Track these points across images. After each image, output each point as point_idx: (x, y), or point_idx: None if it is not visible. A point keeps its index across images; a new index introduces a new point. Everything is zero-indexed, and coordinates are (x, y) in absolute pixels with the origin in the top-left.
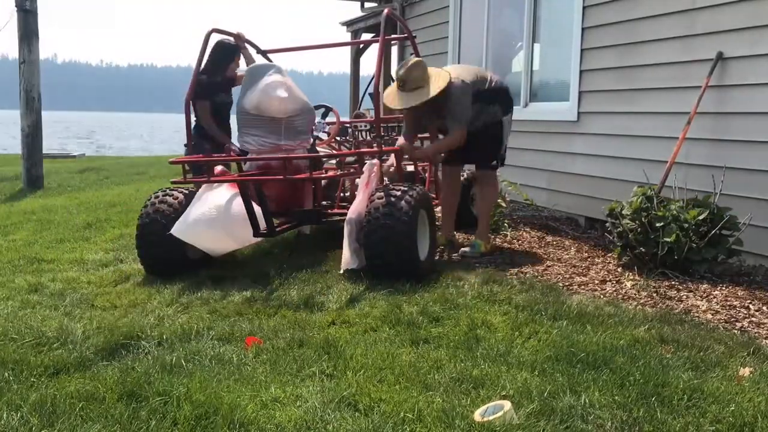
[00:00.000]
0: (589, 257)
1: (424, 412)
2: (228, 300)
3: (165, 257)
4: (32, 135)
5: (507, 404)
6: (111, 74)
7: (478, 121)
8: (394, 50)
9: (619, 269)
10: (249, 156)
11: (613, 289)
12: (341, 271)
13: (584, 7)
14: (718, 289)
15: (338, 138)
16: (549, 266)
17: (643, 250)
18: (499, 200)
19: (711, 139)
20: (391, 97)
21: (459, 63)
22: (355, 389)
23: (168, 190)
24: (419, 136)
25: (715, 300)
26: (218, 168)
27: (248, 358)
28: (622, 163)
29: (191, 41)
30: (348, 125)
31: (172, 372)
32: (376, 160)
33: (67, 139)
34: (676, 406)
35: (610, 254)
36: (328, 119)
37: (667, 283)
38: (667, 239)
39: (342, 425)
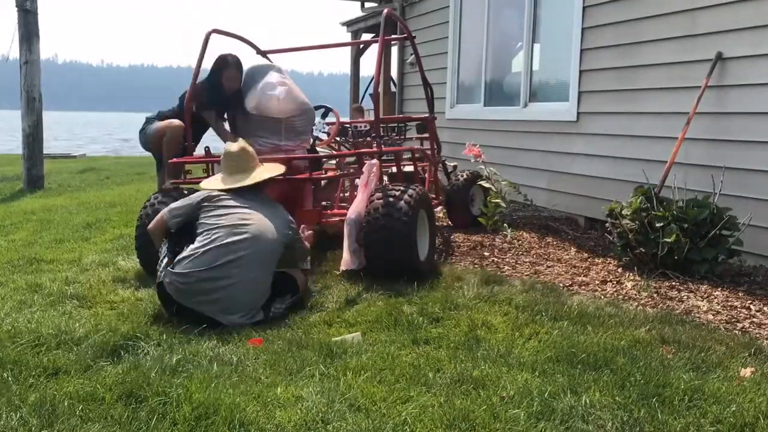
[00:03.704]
0: (589, 257)
1: (424, 413)
2: None
3: None
4: (33, 135)
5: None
6: (111, 74)
7: None
8: (394, 50)
9: (620, 269)
10: None
11: (614, 289)
12: (340, 272)
13: (584, 7)
14: (719, 289)
15: (338, 138)
16: (549, 266)
17: (643, 250)
18: (499, 200)
19: (711, 139)
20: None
21: (459, 63)
22: (355, 390)
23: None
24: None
25: (715, 300)
26: None
27: (248, 359)
28: (621, 163)
29: (191, 41)
30: (348, 125)
31: (172, 372)
32: (375, 161)
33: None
34: (677, 407)
35: (610, 254)
36: (328, 119)
37: (667, 284)
38: (667, 239)
39: (342, 425)
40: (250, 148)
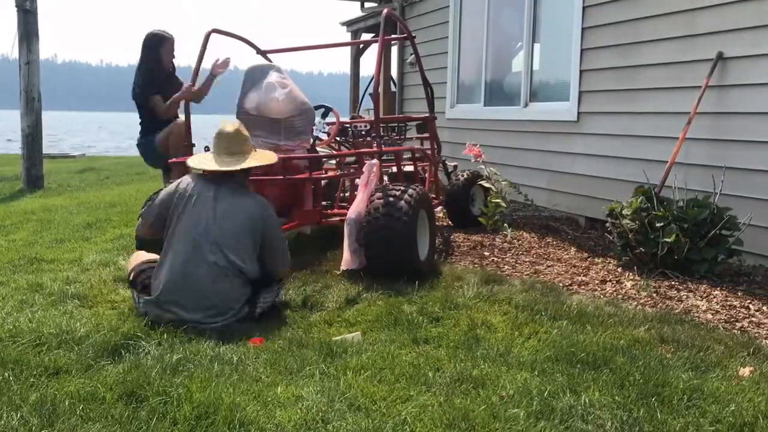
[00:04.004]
0: (589, 257)
1: (423, 412)
2: None
3: None
4: (32, 135)
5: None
6: (111, 74)
7: None
8: (394, 50)
9: (619, 269)
10: None
11: (613, 289)
12: (341, 271)
13: (584, 7)
14: (718, 289)
15: (338, 138)
16: (549, 266)
17: (643, 250)
18: (499, 200)
19: (711, 139)
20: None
21: (459, 62)
22: (355, 389)
23: None
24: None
25: (715, 300)
26: None
27: (248, 358)
28: (622, 163)
29: (191, 41)
30: (348, 125)
31: (173, 371)
32: (375, 160)
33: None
34: (676, 406)
35: (610, 254)
36: (328, 119)
37: (667, 283)
38: (667, 239)
39: (342, 425)
40: (245, 131)
